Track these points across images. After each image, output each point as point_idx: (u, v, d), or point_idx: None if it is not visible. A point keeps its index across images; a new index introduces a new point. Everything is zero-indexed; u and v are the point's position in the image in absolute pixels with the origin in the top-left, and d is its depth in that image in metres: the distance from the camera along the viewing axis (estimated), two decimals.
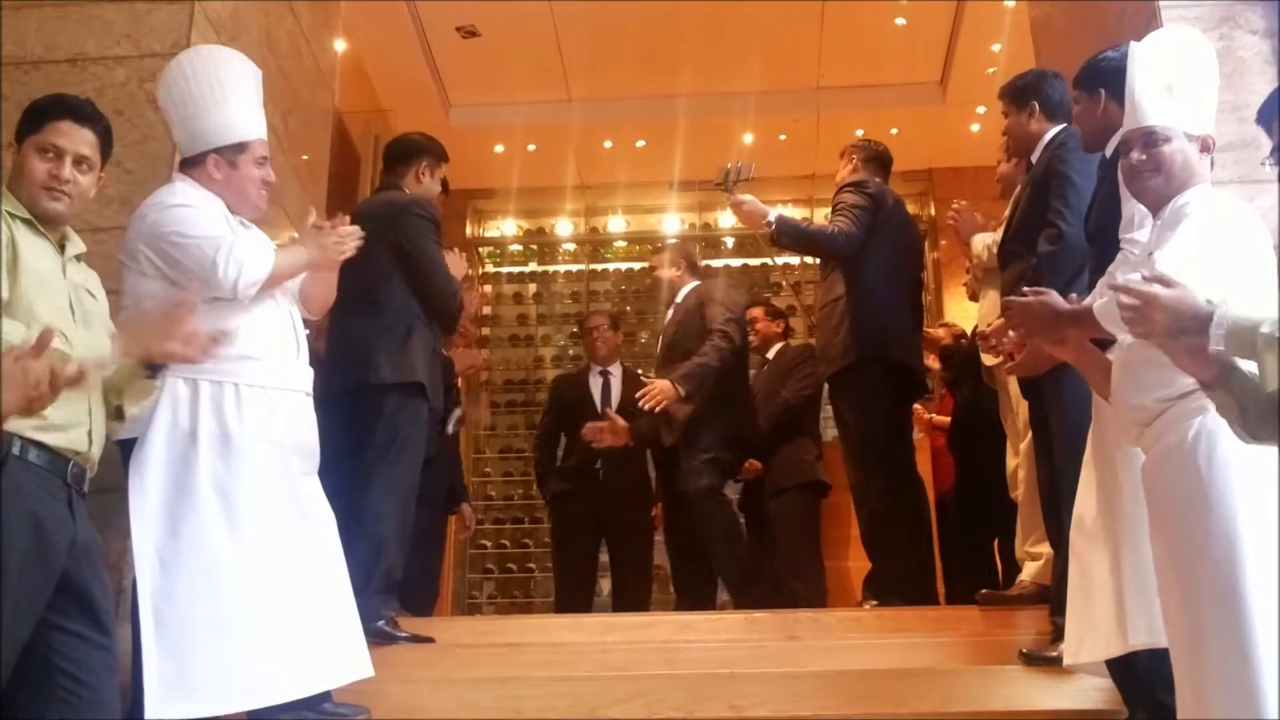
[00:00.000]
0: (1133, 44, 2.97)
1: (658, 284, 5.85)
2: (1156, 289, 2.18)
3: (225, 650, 3.00)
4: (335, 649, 3.24)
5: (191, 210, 3.22)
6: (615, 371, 6.30)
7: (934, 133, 8.55)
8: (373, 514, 4.06)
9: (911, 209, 7.86)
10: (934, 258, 9.30)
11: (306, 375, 3.39)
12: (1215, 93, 2.91)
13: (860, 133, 7.73)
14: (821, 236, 5.16)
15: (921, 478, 5.28)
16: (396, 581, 4.29)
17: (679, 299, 5.70)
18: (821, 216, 9.72)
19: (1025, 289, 3.06)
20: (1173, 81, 2.89)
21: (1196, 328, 2.10)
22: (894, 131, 8.48)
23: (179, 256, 3.17)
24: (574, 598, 5.94)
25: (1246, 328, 2.02)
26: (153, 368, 2.87)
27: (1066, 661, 3.27)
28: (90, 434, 2.72)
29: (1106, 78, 3.37)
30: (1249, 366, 2.11)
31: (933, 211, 9.23)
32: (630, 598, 5.94)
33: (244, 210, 3.42)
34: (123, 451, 3.11)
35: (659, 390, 5.20)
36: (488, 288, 9.66)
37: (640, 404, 5.25)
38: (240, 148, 3.39)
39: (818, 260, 5.61)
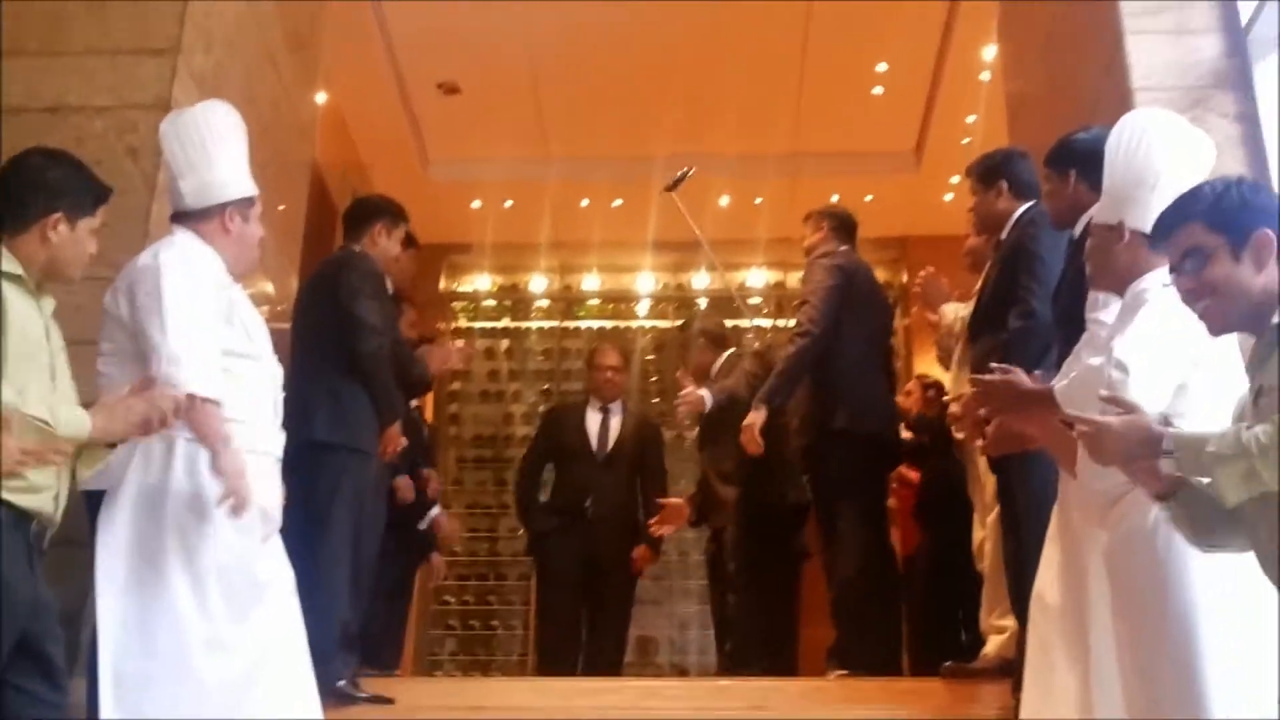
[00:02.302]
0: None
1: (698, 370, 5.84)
2: (1109, 420, 2.20)
3: (182, 710, 2.95)
4: (290, 710, 3.20)
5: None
6: (615, 409, 6.18)
7: (908, 201, 8.62)
8: (317, 579, 3.95)
9: (885, 276, 7.93)
10: (905, 324, 9.34)
11: (279, 439, 3.36)
12: (1153, 174, 2.87)
13: (835, 198, 7.82)
14: (793, 361, 5.03)
15: (893, 548, 5.28)
16: (355, 635, 4.25)
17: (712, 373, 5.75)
18: (796, 280, 9.81)
19: (992, 365, 3.08)
20: (1108, 175, 2.95)
21: (1149, 452, 2.12)
22: (869, 198, 8.54)
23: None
24: (561, 647, 5.76)
25: (1194, 447, 2.04)
26: None
27: None
28: (57, 497, 2.73)
29: (1077, 158, 3.41)
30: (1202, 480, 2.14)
31: (905, 279, 9.27)
32: (604, 653, 5.78)
33: (245, 265, 3.42)
34: (89, 503, 3.07)
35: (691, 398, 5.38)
36: (460, 342, 9.59)
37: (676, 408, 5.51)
38: (250, 201, 3.39)
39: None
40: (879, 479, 5.24)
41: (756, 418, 4.93)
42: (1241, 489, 1.99)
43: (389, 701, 4.17)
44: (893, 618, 5.06)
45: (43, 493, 2.66)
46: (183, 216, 3.33)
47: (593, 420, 6.12)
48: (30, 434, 2.42)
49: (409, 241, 5.15)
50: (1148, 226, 2.84)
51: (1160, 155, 2.89)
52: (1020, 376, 2.95)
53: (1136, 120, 3.00)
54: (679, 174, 5.76)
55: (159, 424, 2.79)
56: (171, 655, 2.97)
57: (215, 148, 3.33)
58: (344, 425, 4.24)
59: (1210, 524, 2.17)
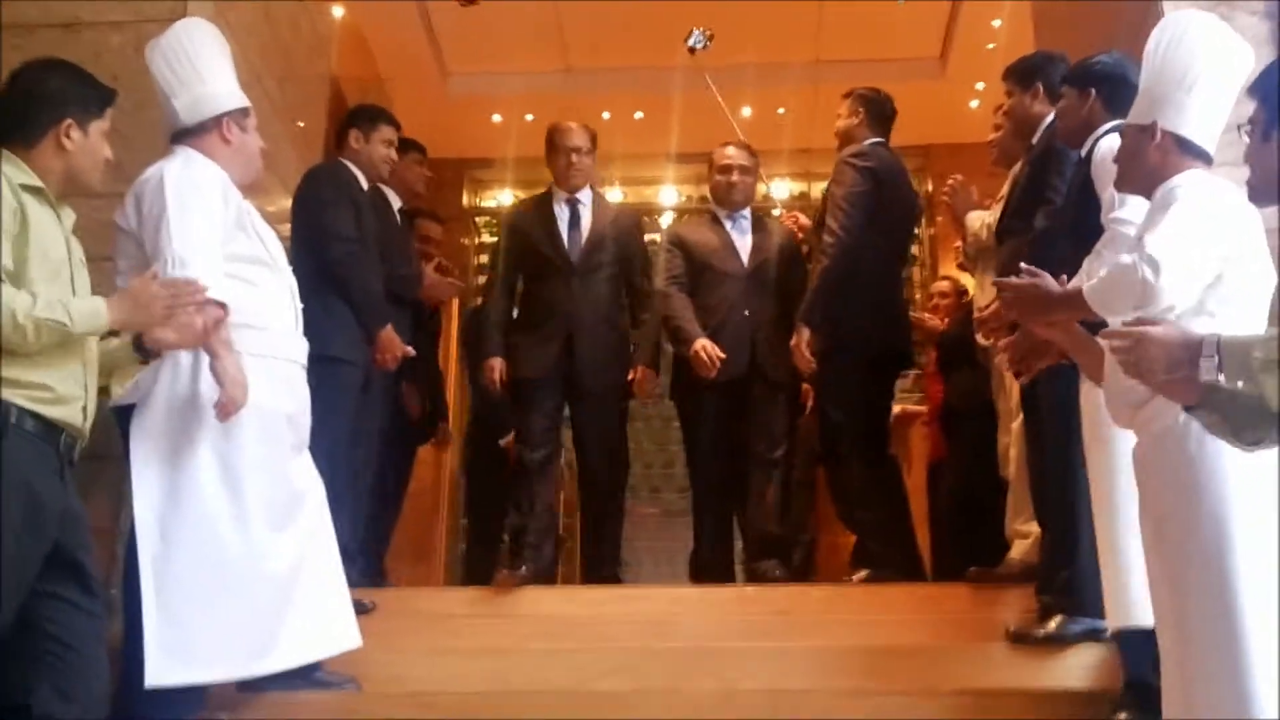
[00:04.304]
0: None
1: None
2: (1147, 329, 2.17)
3: (223, 618, 3.03)
4: (326, 619, 3.27)
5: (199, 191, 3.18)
6: (585, 199, 5.22)
7: (933, 108, 8.46)
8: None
9: None
10: (930, 233, 9.28)
11: (303, 347, 3.39)
12: (1193, 76, 2.83)
13: None
14: (827, 276, 4.80)
15: (896, 457, 5.23)
16: (354, 551, 4.24)
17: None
18: (820, 191, 9.74)
19: (1022, 267, 3.04)
20: (1145, 75, 2.91)
21: (1188, 358, 2.08)
22: None
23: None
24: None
25: (1240, 352, 2.02)
26: (143, 350, 2.89)
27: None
28: (85, 409, 2.75)
29: (1097, 79, 3.50)
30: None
31: (930, 187, 9.16)
32: (598, 480, 5.05)
33: (249, 175, 3.43)
34: (119, 418, 3.11)
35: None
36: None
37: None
38: (245, 112, 3.41)
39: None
40: (885, 388, 5.16)
41: (801, 337, 4.77)
42: None
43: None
44: (905, 521, 5.01)
45: (70, 404, 2.69)
46: (181, 136, 3.34)
47: (561, 215, 5.14)
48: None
49: (404, 146, 5.12)
50: (1182, 128, 2.82)
51: (1199, 57, 2.85)
52: (1047, 280, 2.91)
53: (1178, 21, 2.95)
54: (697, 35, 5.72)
55: (195, 339, 2.84)
56: (210, 564, 3.03)
57: (202, 62, 3.35)
58: (311, 334, 4.09)
59: (1248, 422, 2.12)
